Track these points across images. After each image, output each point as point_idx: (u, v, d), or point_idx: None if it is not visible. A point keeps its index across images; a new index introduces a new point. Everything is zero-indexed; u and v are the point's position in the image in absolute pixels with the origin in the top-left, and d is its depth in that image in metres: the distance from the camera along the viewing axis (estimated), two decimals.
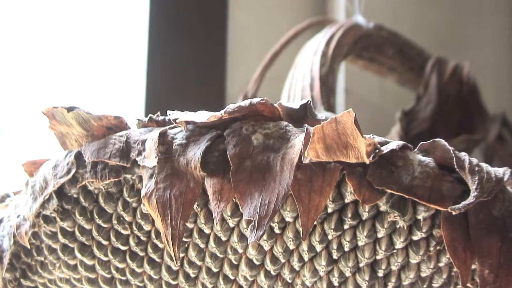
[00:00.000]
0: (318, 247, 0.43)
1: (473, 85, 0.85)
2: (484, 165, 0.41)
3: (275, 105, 0.43)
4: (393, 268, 0.43)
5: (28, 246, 0.48)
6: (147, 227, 0.45)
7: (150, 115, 0.46)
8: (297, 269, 0.44)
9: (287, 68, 0.73)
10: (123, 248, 0.46)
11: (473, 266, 0.41)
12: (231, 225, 0.43)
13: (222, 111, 0.42)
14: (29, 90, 1.01)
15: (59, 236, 0.47)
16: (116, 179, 0.44)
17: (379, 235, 0.42)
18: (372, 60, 0.82)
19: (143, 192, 0.42)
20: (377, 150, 0.40)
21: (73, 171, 0.45)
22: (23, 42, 0.99)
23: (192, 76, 0.99)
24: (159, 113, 0.46)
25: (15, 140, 1.02)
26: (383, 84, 0.98)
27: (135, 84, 0.99)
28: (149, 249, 0.46)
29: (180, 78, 0.98)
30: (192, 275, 0.46)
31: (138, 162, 0.43)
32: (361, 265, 0.43)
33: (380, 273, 0.43)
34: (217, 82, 1.00)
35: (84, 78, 1.01)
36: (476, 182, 0.39)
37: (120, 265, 0.47)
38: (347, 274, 0.43)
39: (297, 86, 0.69)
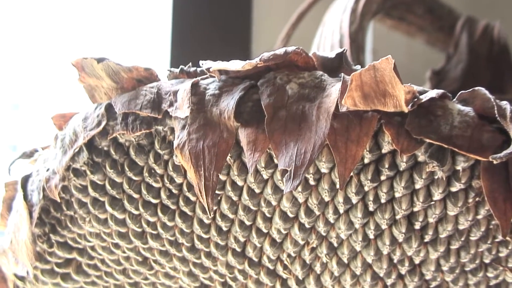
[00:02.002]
0: (354, 199, 0.42)
1: (504, 44, 0.84)
2: None
3: (310, 54, 0.42)
4: (430, 220, 0.42)
5: (58, 200, 0.47)
6: (178, 180, 0.44)
7: (181, 66, 0.45)
8: (332, 221, 0.43)
9: (314, 28, 0.72)
10: (154, 201, 0.46)
11: None
12: (265, 176, 0.42)
13: (257, 59, 0.41)
14: (45, 63, 1.00)
15: (89, 189, 0.46)
16: (147, 131, 0.44)
17: (417, 186, 0.41)
18: (401, 19, 0.80)
19: (175, 143, 0.41)
20: (416, 99, 0.39)
21: (103, 123, 0.44)
22: (42, 9, 0.99)
23: (217, 37, 0.98)
24: (190, 64, 0.45)
25: (32, 115, 1.03)
26: (411, 45, 0.97)
27: (160, 45, 0.98)
28: (181, 202, 0.45)
29: (205, 39, 0.97)
30: (225, 229, 0.45)
31: (170, 113, 0.42)
32: (397, 217, 0.42)
33: (417, 226, 0.42)
34: (243, 42, 0.99)
35: (109, 37, 1.01)
36: None
37: (151, 219, 0.46)
38: (383, 226, 0.43)
39: (326, 44, 0.68)
